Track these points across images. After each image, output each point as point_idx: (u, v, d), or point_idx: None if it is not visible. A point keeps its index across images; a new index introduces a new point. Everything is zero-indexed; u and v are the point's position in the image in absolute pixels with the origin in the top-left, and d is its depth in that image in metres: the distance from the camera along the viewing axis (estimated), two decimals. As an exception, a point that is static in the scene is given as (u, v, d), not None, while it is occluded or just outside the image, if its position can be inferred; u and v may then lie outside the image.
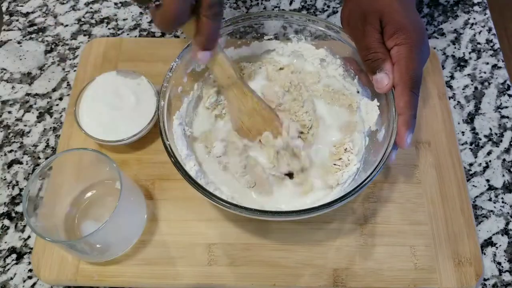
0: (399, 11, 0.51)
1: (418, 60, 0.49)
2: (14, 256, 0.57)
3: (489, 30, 0.73)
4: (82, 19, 0.74)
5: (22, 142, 0.64)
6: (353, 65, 0.58)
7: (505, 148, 0.63)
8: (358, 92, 0.59)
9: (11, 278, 0.56)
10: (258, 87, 0.59)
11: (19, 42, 0.72)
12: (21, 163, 0.62)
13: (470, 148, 0.63)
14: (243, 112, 0.55)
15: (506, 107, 0.66)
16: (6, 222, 0.59)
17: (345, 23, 0.56)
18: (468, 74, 0.69)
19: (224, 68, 0.52)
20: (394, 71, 0.50)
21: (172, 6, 0.42)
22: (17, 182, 0.61)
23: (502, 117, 0.66)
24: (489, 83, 0.68)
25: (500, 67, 0.69)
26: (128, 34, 0.73)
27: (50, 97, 0.67)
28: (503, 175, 0.62)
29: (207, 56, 0.48)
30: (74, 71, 0.69)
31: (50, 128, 0.65)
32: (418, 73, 0.50)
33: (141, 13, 0.75)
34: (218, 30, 0.48)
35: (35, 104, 0.67)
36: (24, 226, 0.58)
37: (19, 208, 0.59)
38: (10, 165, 0.62)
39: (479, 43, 0.71)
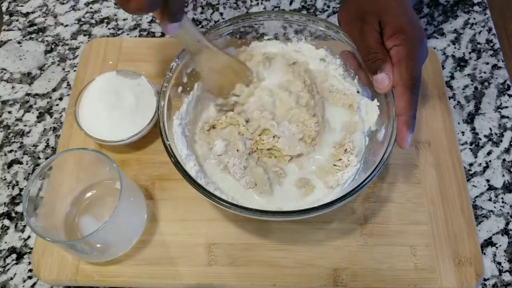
0: (398, 12, 0.51)
1: (417, 61, 0.50)
2: (14, 256, 0.57)
3: (489, 30, 0.73)
4: (82, 19, 0.74)
5: (22, 142, 0.64)
6: (351, 62, 0.58)
7: (505, 148, 0.63)
8: (358, 92, 0.59)
9: (11, 278, 0.56)
10: (275, 82, 0.59)
11: (19, 42, 0.72)
12: (21, 163, 0.62)
13: (470, 148, 0.63)
14: (215, 70, 0.56)
15: (506, 107, 0.66)
16: (6, 222, 0.59)
17: (343, 24, 0.56)
18: (468, 74, 0.69)
19: (192, 34, 0.52)
20: (393, 72, 0.50)
21: None
22: (17, 182, 0.61)
23: (502, 117, 0.66)
24: (489, 83, 0.68)
25: (500, 67, 0.69)
26: (128, 34, 0.73)
27: (50, 97, 0.67)
28: (503, 175, 0.62)
29: (176, 27, 0.49)
30: (74, 71, 0.69)
31: (50, 128, 0.65)
32: (417, 73, 0.50)
33: (141, 13, 0.75)
34: (183, 2, 0.48)
35: (35, 104, 0.67)
36: (24, 226, 0.58)
37: (19, 208, 0.59)
38: (10, 165, 0.62)
39: (479, 43, 0.71)
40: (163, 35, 0.73)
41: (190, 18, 0.74)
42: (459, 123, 0.65)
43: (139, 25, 0.74)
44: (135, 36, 0.73)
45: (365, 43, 0.52)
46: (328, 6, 0.75)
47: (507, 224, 0.59)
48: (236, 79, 0.57)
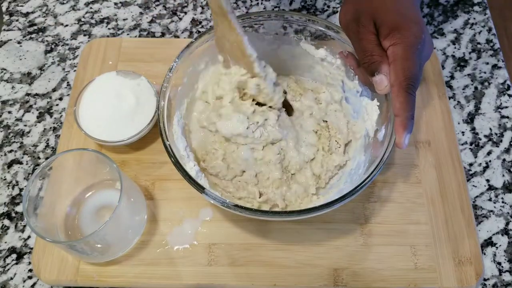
0: (393, 10, 0.50)
1: (414, 59, 0.48)
2: (14, 256, 0.57)
3: (489, 30, 0.73)
4: (82, 19, 0.74)
5: (22, 142, 0.64)
6: (350, 61, 0.57)
7: (505, 148, 0.63)
8: (358, 92, 0.59)
9: (11, 278, 0.56)
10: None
11: (19, 42, 0.72)
12: (21, 163, 0.62)
13: (470, 148, 0.63)
14: (227, 40, 0.54)
15: (506, 107, 0.66)
16: (6, 222, 0.59)
17: (342, 26, 0.55)
18: (468, 74, 0.69)
19: None
20: (389, 72, 0.49)
21: None
22: (17, 182, 0.61)
23: (502, 117, 0.66)
24: (489, 83, 0.68)
25: (500, 67, 0.69)
26: (128, 34, 0.73)
27: (50, 97, 0.67)
28: (503, 175, 0.62)
29: None
30: (74, 71, 0.69)
31: (50, 128, 0.65)
32: (414, 73, 0.48)
33: (141, 13, 0.75)
34: None
35: (35, 104, 0.67)
36: (24, 226, 0.58)
37: (19, 208, 0.59)
38: (10, 165, 0.62)
39: (479, 43, 0.71)
40: (163, 35, 0.73)
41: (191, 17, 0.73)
42: (459, 123, 0.65)
43: (139, 25, 0.74)
44: (135, 36, 0.73)
45: (361, 46, 0.51)
46: (328, 6, 0.75)
47: (507, 224, 0.59)
48: (241, 59, 0.54)
